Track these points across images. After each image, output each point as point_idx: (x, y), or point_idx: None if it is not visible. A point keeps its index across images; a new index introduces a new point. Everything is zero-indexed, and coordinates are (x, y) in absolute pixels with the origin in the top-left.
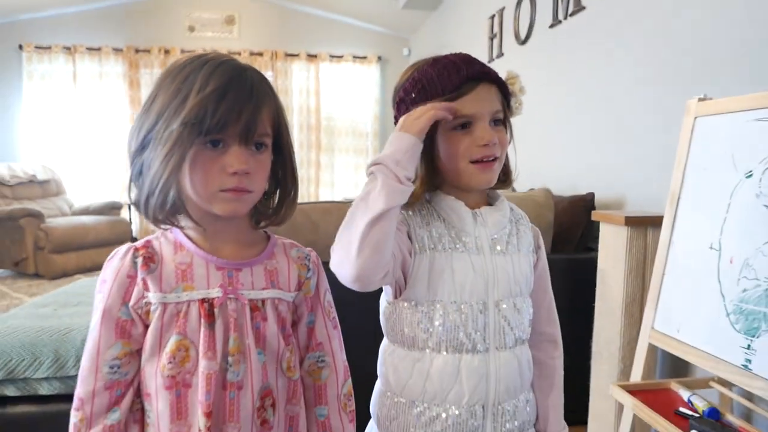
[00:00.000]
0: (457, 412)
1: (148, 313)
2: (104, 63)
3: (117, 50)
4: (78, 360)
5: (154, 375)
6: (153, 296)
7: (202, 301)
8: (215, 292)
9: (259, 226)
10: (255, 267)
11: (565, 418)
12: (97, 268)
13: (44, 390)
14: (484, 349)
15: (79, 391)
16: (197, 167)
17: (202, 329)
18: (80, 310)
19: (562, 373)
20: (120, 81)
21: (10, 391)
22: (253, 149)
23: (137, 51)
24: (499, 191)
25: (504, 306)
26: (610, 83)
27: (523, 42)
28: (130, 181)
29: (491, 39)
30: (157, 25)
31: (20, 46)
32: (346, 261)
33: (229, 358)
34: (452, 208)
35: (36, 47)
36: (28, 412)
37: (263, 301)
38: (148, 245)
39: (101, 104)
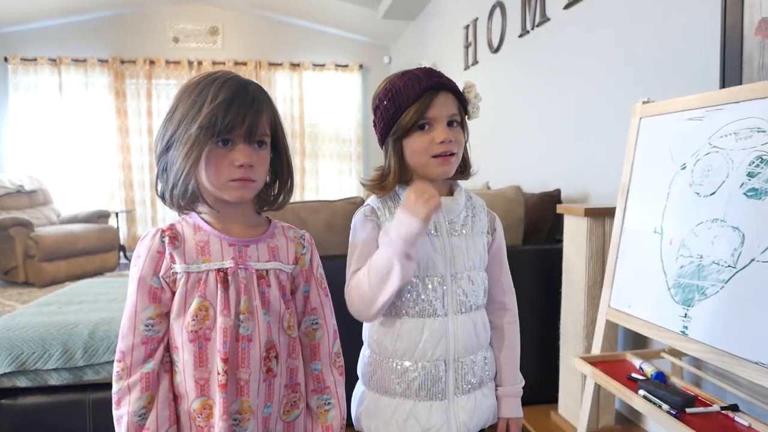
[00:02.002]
0: (423, 365)
1: (174, 281)
2: (90, 74)
3: (102, 61)
4: (85, 352)
5: (181, 331)
6: (179, 267)
7: (218, 270)
8: (228, 263)
9: (261, 211)
10: (260, 244)
11: (537, 396)
12: (86, 275)
13: (54, 380)
14: (443, 314)
15: (120, 346)
16: (211, 162)
17: (219, 293)
18: (84, 308)
19: (517, 336)
20: (106, 92)
21: (22, 382)
22: (255, 147)
23: (123, 62)
24: (461, 182)
25: (460, 278)
26: (573, 88)
27: (496, 50)
28: (157, 177)
29: (466, 47)
30: (142, 37)
31: (5, 59)
32: (364, 317)
33: (241, 316)
34: None
35: (22, 59)
36: (39, 402)
37: (267, 271)
38: (172, 228)
39: (87, 115)
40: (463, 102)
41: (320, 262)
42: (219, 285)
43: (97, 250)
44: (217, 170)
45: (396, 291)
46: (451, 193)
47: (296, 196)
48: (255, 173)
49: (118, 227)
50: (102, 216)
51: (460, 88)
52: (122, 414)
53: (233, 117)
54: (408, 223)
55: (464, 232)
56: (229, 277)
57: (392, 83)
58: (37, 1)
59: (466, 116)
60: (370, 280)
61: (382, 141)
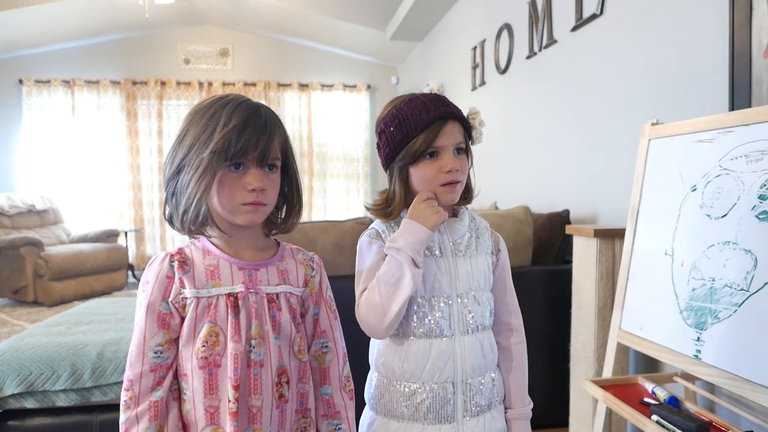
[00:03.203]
0: (431, 387)
1: (184, 306)
2: (102, 95)
3: (115, 83)
4: (93, 373)
5: (190, 358)
6: (188, 292)
7: (228, 295)
8: (239, 288)
9: (270, 234)
10: (269, 267)
11: (547, 420)
12: (95, 294)
13: (62, 402)
14: (450, 335)
15: (128, 374)
16: (224, 186)
17: (230, 318)
18: (92, 328)
19: (525, 357)
20: (118, 112)
21: (30, 404)
22: (267, 170)
23: (134, 83)
24: (466, 207)
25: (466, 298)
26: (581, 109)
27: (503, 72)
28: (165, 201)
29: (474, 69)
30: (154, 59)
31: (20, 81)
32: (377, 331)
33: (252, 342)
34: None
35: (36, 81)
36: (46, 424)
37: (277, 295)
38: (181, 252)
39: (99, 135)
40: (468, 129)
41: (329, 284)
42: (229, 310)
43: (106, 270)
44: (230, 194)
45: (407, 300)
46: (455, 215)
47: (304, 216)
48: (266, 197)
49: (127, 246)
50: (111, 235)
51: (465, 113)
52: None
53: (246, 141)
54: (417, 231)
55: (468, 252)
56: (240, 302)
57: (399, 109)
58: (51, 25)
59: (470, 142)
60: (380, 290)
61: (387, 165)
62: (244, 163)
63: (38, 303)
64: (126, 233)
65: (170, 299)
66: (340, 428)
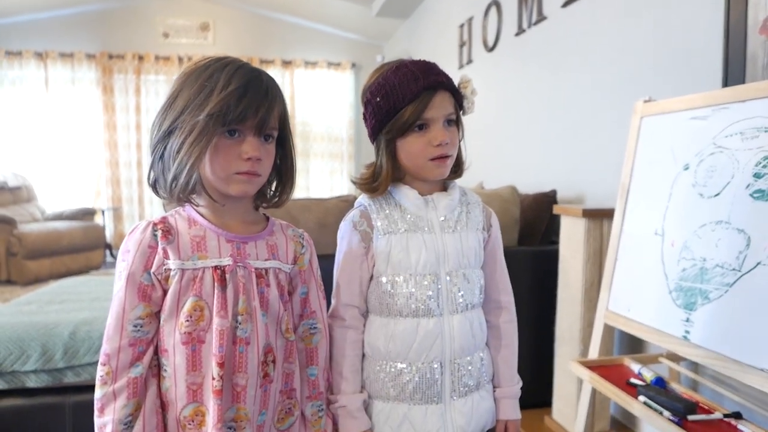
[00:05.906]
0: (417, 367)
1: (167, 278)
2: (77, 69)
3: (90, 56)
4: (65, 353)
5: (173, 332)
6: (173, 263)
7: (215, 268)
8: (226, 261)
9: (260, 207)
10: (258, 241)
11: (530, 400)
12: (71, 273)
13: (32, 382)
14: (438, 314)
15: (106, 348)
16: (218, 153)
17: (216, 292)
18: (65, 307)
19: (515, 336)
20: (93, 87)
21: None
22: (263, 140)
23: (111, 57)
24: (456, 180)
25: (454, 276)
26: (570, 88)
27: (491, 49)
28: (151, 166)
29: (461, 46)
30: (131, 32)
31: None
32: None
33: (239, 317)
34: (407, 197)
35: (6, 53)
36: (16, 405)
37: (266, 270)
38: (164, 221)
39: (74, 110)
40: (459, 99)
41: (318, 264)
42: (216, 284)
43: (82, 248)
44: (224, 162)
45: None
46: (444, 189)
47: None
48: (261, 167)
49: (104, 225)
50: (88, 213)
51: (456, 83)
52: (106, 422)
53: (246, 107)
54: None
55: (458, 228)
56: (227, 276)
57: (386, 78)
58: None
59: (461, 112)
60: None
61: (374, 137)
62: (240, 130)
63: (11, 282)
64: (103, 212)
65: (153, 270)
66: (323, 410)
